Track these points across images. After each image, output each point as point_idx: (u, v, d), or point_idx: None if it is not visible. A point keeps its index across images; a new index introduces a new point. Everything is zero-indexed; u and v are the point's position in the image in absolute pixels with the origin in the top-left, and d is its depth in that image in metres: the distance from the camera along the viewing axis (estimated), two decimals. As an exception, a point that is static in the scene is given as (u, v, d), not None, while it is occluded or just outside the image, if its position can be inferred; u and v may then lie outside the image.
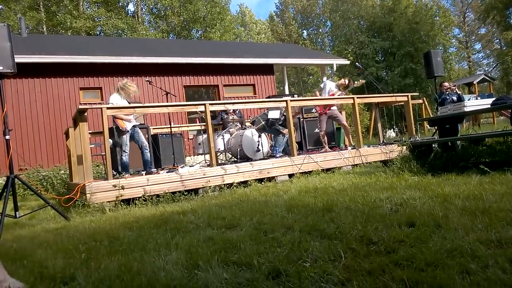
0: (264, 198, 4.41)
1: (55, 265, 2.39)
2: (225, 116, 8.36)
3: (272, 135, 8.18)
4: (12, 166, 4.32)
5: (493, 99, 5.19)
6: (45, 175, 8.63)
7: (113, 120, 6.17)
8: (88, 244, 2.93)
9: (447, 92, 9.22)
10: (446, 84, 9.60)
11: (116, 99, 5.99)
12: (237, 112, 8.66)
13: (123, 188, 5.16)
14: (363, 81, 8.29)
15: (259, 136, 7.20)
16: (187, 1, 28.75)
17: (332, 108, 7.82)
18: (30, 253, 2.86)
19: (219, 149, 7.75)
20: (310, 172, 6.53)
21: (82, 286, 1.98)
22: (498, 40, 38.12)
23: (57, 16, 25.41)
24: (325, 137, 8.02)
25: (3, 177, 8.61)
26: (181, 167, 6.16)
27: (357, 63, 10.74)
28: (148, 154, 6.28)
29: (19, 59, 8.02)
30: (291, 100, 6.93)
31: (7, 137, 4.30)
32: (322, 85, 8.17)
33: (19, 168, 9.26)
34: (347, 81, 7.97)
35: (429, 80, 11.75)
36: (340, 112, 8.41)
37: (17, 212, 4.31)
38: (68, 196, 5.38)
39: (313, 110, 8.93)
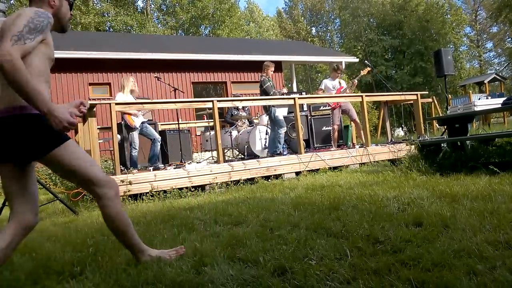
0: (271, 195, 4.41)
1: (63, 259, 2.41)
2: (236, 113, 8.42)
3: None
4: (22, 160, 4.37)
5: (504, 98, 5.14)
6: (54, 169, 8.71)
7: (122, 117, 6.30)
8: (96, 238, 2.96)
9: None
10: None
11: (120, 98, 6.18)
12: (246, 109, 8.70)
13: (130, 183, 5.20)
14: (368, 68, 8.12)
15: (267, 133, 7.19)
16: (196, -3, 28.77)
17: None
18: (38, 246, 2.90)
19: (227, 146, 7.76)
20: (317, 170, 6.52)
21: (90, 280, 2.00)
22: (510, 39, 37.56)
23: (67, 11, 25.57)
24: (336, 133, 7.94)
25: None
26: (188, 164, 6.18)
27: (366, 61, 10.63)
28: (159, 148, 6.41)
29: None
30: (299, 98, 6.92)
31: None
32: (323, 86, 8.00)
33: (29, 162, 9.36)
34: (336, 67, 8.00)
35: (439, 79, 11.61)
36: None
37: (26, 206, 4.35)
38: (76, 190, 5.43)
39: (321, 108, 8.87)
